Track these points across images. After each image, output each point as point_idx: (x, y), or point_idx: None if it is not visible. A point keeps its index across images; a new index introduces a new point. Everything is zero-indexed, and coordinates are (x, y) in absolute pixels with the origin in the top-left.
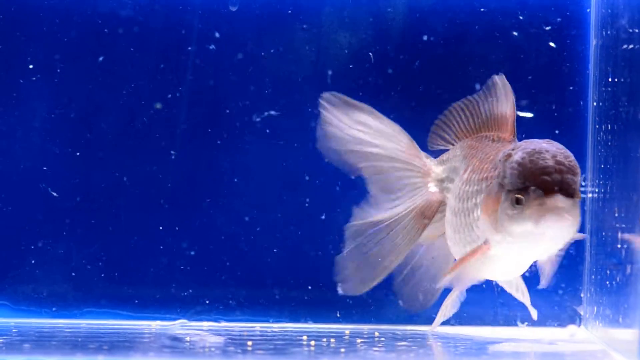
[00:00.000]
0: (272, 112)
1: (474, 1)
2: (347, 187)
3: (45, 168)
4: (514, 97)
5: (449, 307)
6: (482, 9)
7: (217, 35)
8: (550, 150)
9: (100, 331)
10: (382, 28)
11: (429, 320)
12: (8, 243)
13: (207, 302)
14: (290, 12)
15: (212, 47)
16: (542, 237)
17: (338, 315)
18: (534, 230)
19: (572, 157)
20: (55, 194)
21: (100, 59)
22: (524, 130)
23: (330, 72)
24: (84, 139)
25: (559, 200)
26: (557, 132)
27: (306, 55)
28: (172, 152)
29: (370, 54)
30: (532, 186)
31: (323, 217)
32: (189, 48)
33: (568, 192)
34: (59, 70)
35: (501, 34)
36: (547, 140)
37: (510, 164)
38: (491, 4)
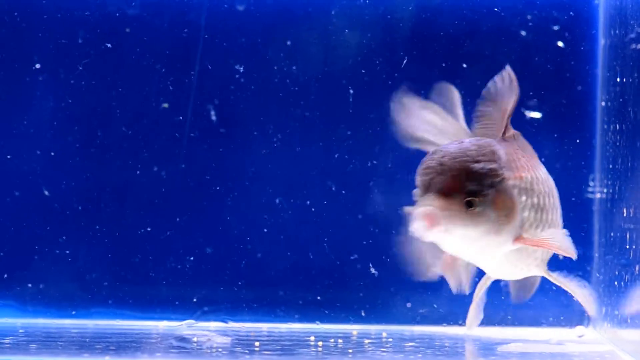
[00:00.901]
0: (281, 112)
1: (483, 1)
2: (356, 188)
3: (52, 168)
4: (516, 95)
5: (474, 310)
6: (490, 9)
7: (224, 34)
8: (446, 150)
9: (107, 331)
10: (391, 27)
11: (437, 321)
12: (15, 243)
13: (215, 302)
14: (298, 11)
15: (219, 46)
16: (430, 238)
17: (363, 314)
18: (419, 230)
19: (466, 158)
20: (47, 193)
21: (107, 56)
22: (532, 130)
23: (338, 72)
24: (91, 138)
25: (426, 199)
26: (565, 132)
27: (315, 54)
28: (180, 152)
29: (406, 57)
30: (416, 187)
31: (331, 218)
32: (196, 47)
33: (442, 192)
34: (65, 70)
35: (510, 34)
36: (475, 139)
37: None
38: (500, 4)
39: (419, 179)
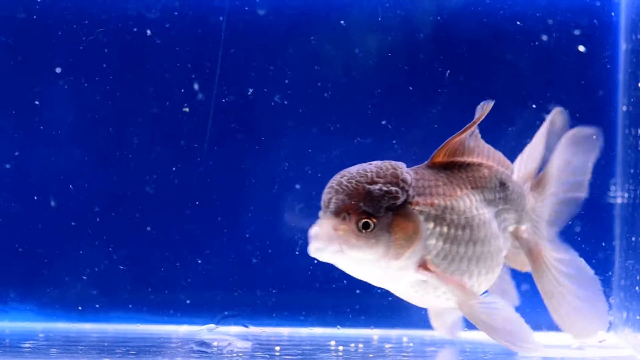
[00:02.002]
0: (302, 116)
1: (504, 5)
2: None
3: (71, 172)
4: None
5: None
6: (511, 13)
7: (244, 38)
8: (347, 171)
9: (127, 336)
10: (411, 31)
11: None
12: (35, 248)
13: (235, 307)
14: (318, 15)
15: (239, 50)
16: (324, 258)
17: (384, 318)
18: (314, 250)
19: (363, 179)
20: (53, 203)
21: (126, 60)
22: None
23: (357, 75)
24: (110, 143)
25: (322, 219)
26: None
27: (334, 58)
28: (200, 156)
29: (448, 71)
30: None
31: None
32: (217, 51)
33: (336, 212)
34: (85, 74)
35: (530, 39)
36: (381, 161)
37: None
38: (520, 8)
39: (321, 199)
